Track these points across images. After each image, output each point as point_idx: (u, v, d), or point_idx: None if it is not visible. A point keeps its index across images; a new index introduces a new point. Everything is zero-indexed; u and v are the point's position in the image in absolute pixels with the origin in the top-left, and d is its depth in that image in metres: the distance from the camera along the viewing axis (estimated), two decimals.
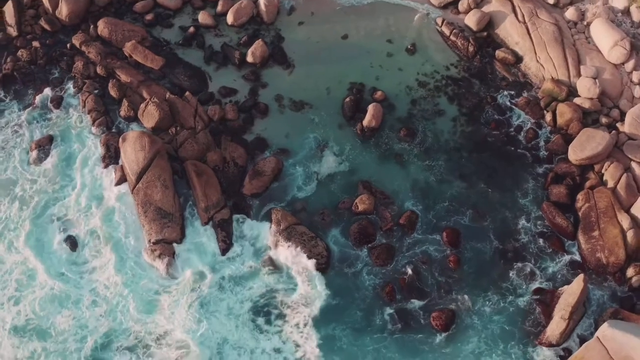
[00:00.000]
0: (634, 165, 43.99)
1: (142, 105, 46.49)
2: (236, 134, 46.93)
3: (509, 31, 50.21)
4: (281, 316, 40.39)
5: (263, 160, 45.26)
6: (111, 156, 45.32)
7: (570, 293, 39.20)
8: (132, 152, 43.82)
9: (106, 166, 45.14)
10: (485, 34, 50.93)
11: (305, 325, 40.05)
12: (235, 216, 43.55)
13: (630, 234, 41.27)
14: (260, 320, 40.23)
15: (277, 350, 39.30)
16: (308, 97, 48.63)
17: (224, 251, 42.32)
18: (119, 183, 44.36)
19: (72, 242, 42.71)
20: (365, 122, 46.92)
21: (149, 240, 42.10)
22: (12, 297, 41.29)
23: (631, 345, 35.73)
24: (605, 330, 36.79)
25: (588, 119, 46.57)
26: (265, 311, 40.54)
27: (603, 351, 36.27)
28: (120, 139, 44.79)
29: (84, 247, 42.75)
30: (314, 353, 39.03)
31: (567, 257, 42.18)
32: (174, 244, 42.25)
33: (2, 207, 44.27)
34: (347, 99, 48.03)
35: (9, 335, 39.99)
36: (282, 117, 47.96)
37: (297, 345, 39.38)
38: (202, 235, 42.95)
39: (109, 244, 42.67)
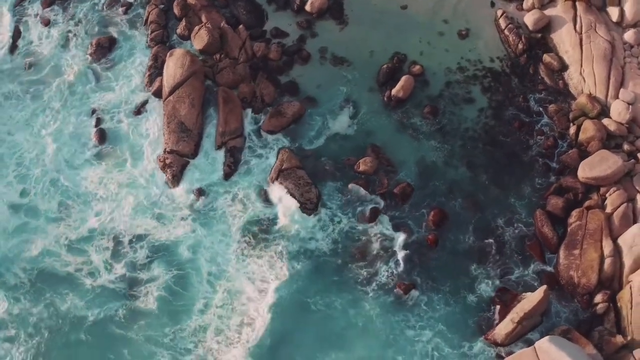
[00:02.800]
0: (639, 197, 43.50)
1: (196, 28, 49.95)
2: (272, 74, 49.61)
3: (563, 38, 49.61)
4: (263, 242, 43.55)
5: (288, 103, 47.92)
6: (156, 67, 49.14)
7: (529, 300, 39.97)
8: (173, 67, 47.48)
9: (149, 75, 49.07)
10: (539, 35, 50.44)
11: (280, 257, 43.06)
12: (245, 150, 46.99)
13: (608, 262, 41.13)
14: (243, 245, 43.56)
15: (250, 279, 42.54)
16: (350, 56, 50.33)
17: (227, 175, 45.72)
18: (156, 92, 48.29)
19: (101, 136, 47.08)
20: (394, 91, 48.34)
21: (165, 149, 46.10)
22: (19, 175, 45.85)
23: None
24: (543, 342, 37.54)
25: (612, 142, 45.89)
26: (248, 237, 43.74)
27: None
28: (168, 54, 48.41)
29: (109, 142, 46.95)
30: (276, 284, 42.28)
31: (542, 267, 42.68)
32: (185, 158, 46.04)
33: (47, 91, 48.92)
34: (385, 66, 49.46)
35: (8, 206, 44.64)
36: (320, 68, 50.11)
37: (265, 282, 42.55)
38: (212, 157, 46.36)
39: (131, 145, 46.80)
